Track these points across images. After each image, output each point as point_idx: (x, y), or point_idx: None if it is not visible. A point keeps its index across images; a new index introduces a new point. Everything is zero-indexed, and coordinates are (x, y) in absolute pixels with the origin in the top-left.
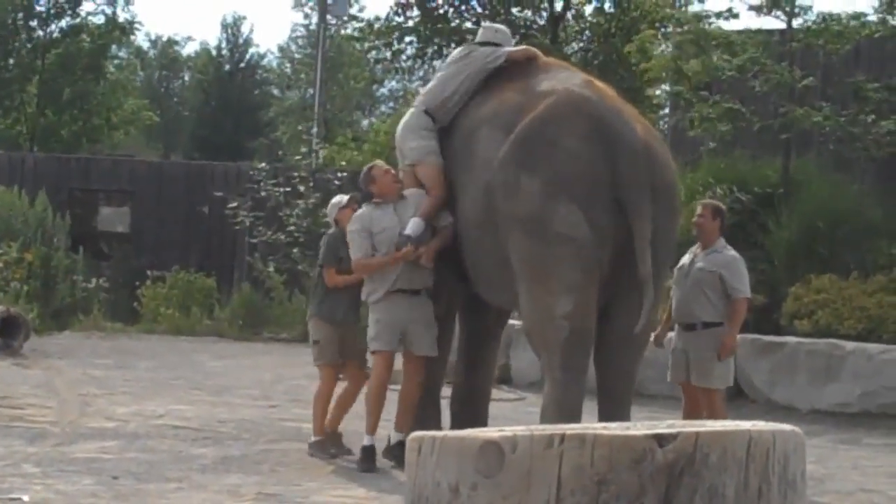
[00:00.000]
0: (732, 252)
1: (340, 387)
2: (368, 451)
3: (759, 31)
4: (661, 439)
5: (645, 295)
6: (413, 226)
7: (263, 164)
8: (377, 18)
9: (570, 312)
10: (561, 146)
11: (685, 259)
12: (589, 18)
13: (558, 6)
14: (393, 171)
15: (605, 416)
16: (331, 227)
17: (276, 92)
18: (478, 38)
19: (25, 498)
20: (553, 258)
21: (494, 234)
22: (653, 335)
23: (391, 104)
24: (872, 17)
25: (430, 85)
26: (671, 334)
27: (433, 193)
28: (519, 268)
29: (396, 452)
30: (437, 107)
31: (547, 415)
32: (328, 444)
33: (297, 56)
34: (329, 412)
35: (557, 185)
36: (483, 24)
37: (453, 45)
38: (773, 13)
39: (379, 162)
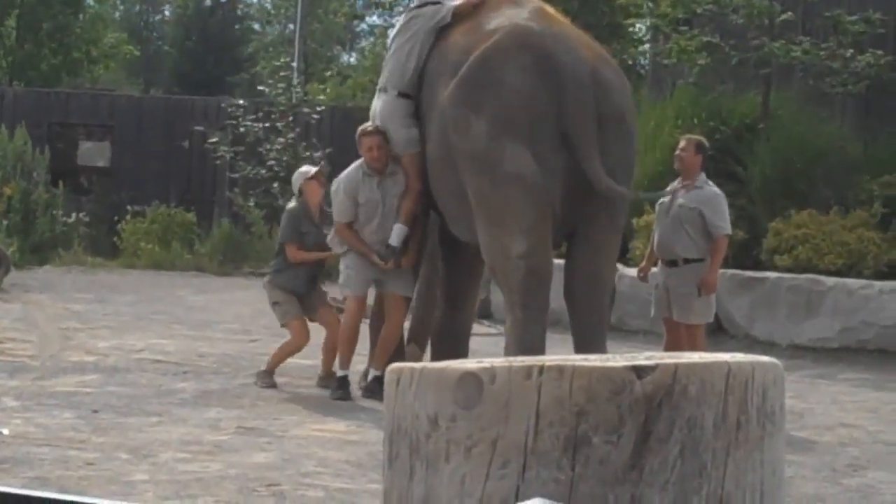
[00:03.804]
0: (714, 188)
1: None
2: (342, 381)
3: None
4: (639, 371)
5: (616, 211)
6: (398, 234)
7: (242, 101)
8: None
9: (525, 252)
10: (505, 83)
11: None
12: None
13: None
14: (382, 147)
15: (580, 351)
16: (292, 201)
17: (256, 27)
18: (416, 1)
19: (5, 431)
20: (504, 198)
21: (453, 170)
22: (637, 269)
23: (372, 39)
24: None
25: (388, 64)
26: (654, 270)
27: (413, 187)
28: (475, 206)
29: (374, 388)
30: (407, 84)
31: (509, 352)
32: (273, 376)
33: None
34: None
35: (503, 123)
36: None
37: None
38: None
39: (370, 128)
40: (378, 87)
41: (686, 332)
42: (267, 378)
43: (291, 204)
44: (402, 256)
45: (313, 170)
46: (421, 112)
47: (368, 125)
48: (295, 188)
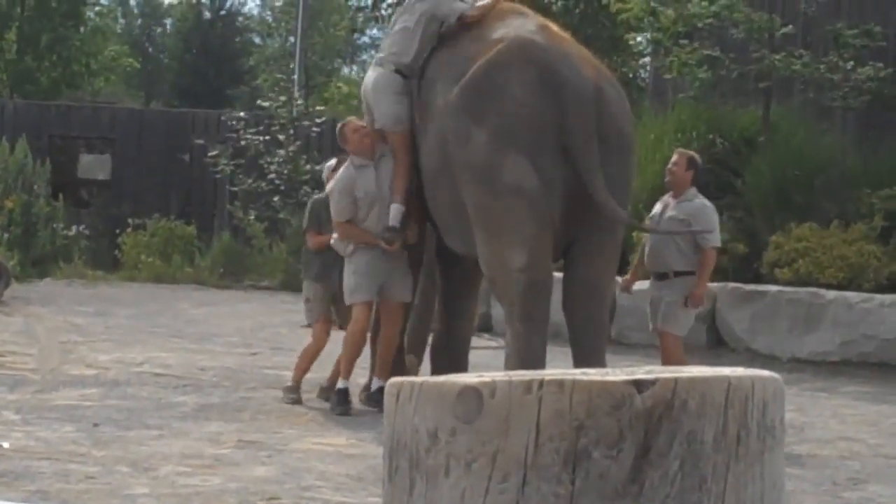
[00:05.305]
0: (703, 200)
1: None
2: (342, 394)
3: None
4: (639, 385)
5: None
6: (395, 214)
7: (241, 113)
8: None
9: (525, 265)
10: (508, 94)
11: (657, 208)
12: None
13: None
14: (363, 128)
15: (579, 364)
16: (323, 190)
17: (257, 40)
18: None
19: (6, 445)
20: (504, 210)
21: (451, 181)
22: (621, 281)
23: (372, 52)
24: None
25: (390, 39)
26: (644, 283)
27: (401, 165)
28: (474, 218)
29: (377, 398)
30: (405, 64)
31: (509, 365)
32: (299, 391)
33: (277, 3)
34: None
35: (504, 135)
36: None
37: None
38: None
39: (350, 120)
40: (374, 61)
41: (662, 341)
42: (292, 393)
43: (318, 195)
44: (405, 235)
45: (335, 161)
46: (417, 118)
47: (346, 119)
48: (325, 180)
